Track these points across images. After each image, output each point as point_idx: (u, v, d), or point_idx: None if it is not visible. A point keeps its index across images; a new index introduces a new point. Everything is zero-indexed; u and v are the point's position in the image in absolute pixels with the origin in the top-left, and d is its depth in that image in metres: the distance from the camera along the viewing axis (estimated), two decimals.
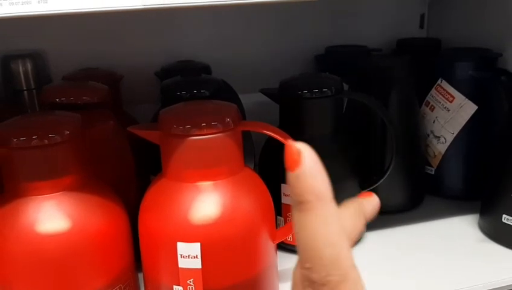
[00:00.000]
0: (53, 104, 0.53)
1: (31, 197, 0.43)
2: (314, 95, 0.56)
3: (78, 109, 0.50)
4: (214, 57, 0.76)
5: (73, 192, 0.44)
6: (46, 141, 0.43)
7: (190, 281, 0.43)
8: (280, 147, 0.53)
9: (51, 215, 0.43)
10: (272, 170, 0.57)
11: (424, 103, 0.72)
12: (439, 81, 0.71)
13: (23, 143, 0.42)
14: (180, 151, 0.45)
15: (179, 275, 0.43)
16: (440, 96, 0.70)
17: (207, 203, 0.44)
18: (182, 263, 0.43)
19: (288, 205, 0.57)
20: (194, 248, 0.42)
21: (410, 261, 0.58)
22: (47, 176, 0.43)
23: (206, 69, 0.73)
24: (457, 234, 0.64)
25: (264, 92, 0.60)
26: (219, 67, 0.74)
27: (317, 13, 0.85)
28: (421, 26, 0.91)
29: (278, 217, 0.57)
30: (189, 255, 0.43)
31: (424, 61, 0.73)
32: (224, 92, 0.62)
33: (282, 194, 0.57)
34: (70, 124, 0.45)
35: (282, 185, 0.57)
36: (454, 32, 0.84)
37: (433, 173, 0.72)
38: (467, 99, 0.68)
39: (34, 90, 0.69)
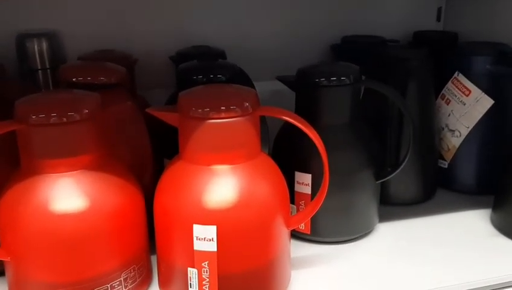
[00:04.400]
0: (70, 84, 0.53)
1: (48, 175, 0.43)
2: (332, 83, 0.56)
3: (95, 89, 0.50)
4: (228, 43, 0.75)
5: (90, 171, 0.44)
6: (64, 119, 0.43)
7: (205, 264, 0.43)
8: (295, 135, 0.53)
9: (67, 194, 0.43)
10: (285, 157, 0.57)
11: (439, 96, 0.72)
12: (455, 75, 0.70)
13: (42, 120, 0.42)
14: (198, 134, 0.44)
15: (194, 257, 0.43)
16: (456, 89, 0.70)
17: (224, 186, 0.44)
18: (198, 246, 0.43)
19: (301, 193, 0.57)
20: (210, 231, 0.42)
21: (420, 253, 0.58)
22: (64, 153, 0.43)
23: (221, 54, 0.72)
24: (469, 228, 0.63)
25: (281, 79, 0.60)
26: (233, 53, 0.73)
27: (334, 3, 0.84)
28: (438, 20, 0.90)
29: (291, 205, 0.56)
30: (205, 237, 0.42)
31: (441, 54, 0.72)
32: (240, 78, 0.61)
33: (295, 182, 0.57)
34: (89, 103, 0.45)
35: (296, 172, 0.57)
36: (471, 26, 0.83)
37: (446, 166, 0.71)
38: (483, 93, 0.67)
39: (48, 70, 0.69)
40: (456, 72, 0.70)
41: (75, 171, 0.44)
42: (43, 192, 0.43)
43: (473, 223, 0.64)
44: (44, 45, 0.68)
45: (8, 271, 0.45)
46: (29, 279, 0.44)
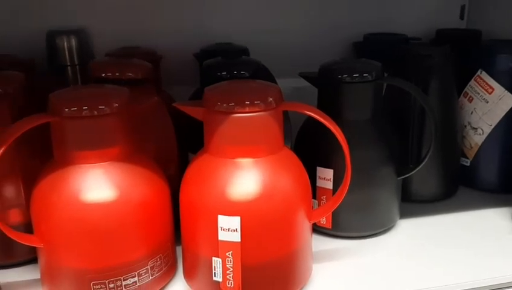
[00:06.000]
0: (98, 79, 0.55)
1: (79, 166, 0.45)
2: (354, 80, 0.56)
3: (123, 84, 0.52)
4: (251, 40, 0.76)
5: (119, 162, 0.46)
6: (95, 112, 0.44)
7: (229, 254, 0.44)
8: (317, 131, 0.54)
9: (97, 184, 0.45)
10: (308, 152, 0.57)
11: (462, 94, 0.72)
12: (478, 72, 0.70)
13: (74, 113, 0.44)
14: (223, 128, 0.46)
15: (218, 247, 0.44)
16: (479, 87, 0.70)
17: (248, 179, 0.45)
18: (222, 236, 0.44)
19: (322, 188, 0.58)
20: (234, 222, 0.44)
21: (441, 250, 0.58)
22: (95, 145, 0.45)
23: (244, 51, 0.73)
24: (490, 226, 0.63)
25: (303, 75, 0.61)
26: (256, 50, 0.74)
27: (357, 0, 0.84)
28: (461, 17, 0.90)
29: (313, 199, 0.57)
30: (229, 228, 0.44)
31: (464, 52, 0.72)
32: (263, 74, 0.62)
33: (317, 177, 0.58)
34: (118, 97, 0.46)
35: (318, 168, 0.58)
36: (494, 24, 0.83)
37: (468, 164, 0.71)
38: (506, 91, 0.67)
39: (77, 66, 0.71)
40: (479, 70, 0.70)
41: (105, 163, 0.45)
42: (74, 182, 0.44)
43: (494, 222, 0.64)
44: (74, 42, 0.70)
45: (41, 258, 0.47)
46: (61, 265, 0.45)
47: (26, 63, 0.64)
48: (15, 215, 0.51)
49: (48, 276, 0.47)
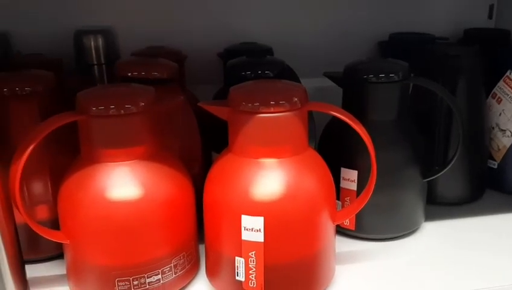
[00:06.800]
0: (125, 78, 0.56)
1: (106, 164, 0.46)
2: (380, 80, 0.56)
3: (149, 83, 0.52)
4: (275, 40, 0.76)
5: (145, 161, 0.46)
6: (122, 111, 0.45)
7: (252, 254, 0.44)
8: (341, 132, 0.54)
9: (123, 182, 0.45)
10: (331, 153, 0.57)
11: (490, 95, 0.70)
12: (507, 73, 0.68)
13: (101, 112, 0.45)
14: (247, 128, 0.46)
15: (241, 247, 0.44)
16: (508, 88, 0.68)
17: (272, 179, 0.45)
18: (245, 236, 0.44)
19: (346, 189, 0.58)
20: (258, 222, 0.43)
21: (465, 255, 0.57)
22: (121, 144, 0.46)
23: (269, 51, 0.73)
24: None
25: (328, 75, 0.60)
26: (280, 50, 0.74)
27: None
28: (490, 17, 0.88)
29: (336, 201, 0.57)
30: (252, 228, 0.44)
31: (492, 52, 0.70)
32: (287, 74, 0.62)
33: (341, 178, 0.57)
34: (145, 97, 0.47)
35: (342, 169, 0.57)
36: None
37: (495, 167, 0.70)
38: None
39: (103, 65, 0.72)
40: (508, 71, 0.68)
41: (131, 161, 0.46)
42: (101, 180, 0.45)
43: None
44: (100, 41, 0.71)
45: (67, 254, 0.48)
46: (86, 261, 0.46)
47: (55, 63, 0.65)
48: (42, 212, 0.53)
49: (74, 272, 0.48)
